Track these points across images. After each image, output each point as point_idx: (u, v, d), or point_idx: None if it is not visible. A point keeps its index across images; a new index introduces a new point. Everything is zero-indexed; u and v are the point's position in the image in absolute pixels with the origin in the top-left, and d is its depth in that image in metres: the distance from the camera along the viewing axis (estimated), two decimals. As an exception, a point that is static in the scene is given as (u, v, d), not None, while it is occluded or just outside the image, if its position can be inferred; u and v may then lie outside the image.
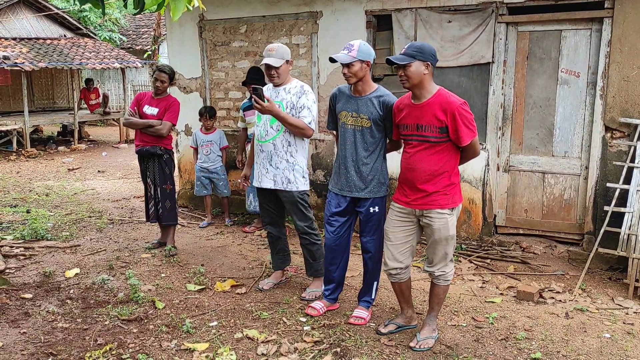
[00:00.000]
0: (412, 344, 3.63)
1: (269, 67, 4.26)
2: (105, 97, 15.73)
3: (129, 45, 20.83)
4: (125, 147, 14.55)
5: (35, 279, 4.93)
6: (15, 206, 7.77)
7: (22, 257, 5.53)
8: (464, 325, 4.02)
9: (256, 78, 5.66)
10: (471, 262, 5.35)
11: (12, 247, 5.80)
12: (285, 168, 4.34)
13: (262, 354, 3.54)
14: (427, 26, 5.72)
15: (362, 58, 3.73)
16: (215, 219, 7.07)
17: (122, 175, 10.64)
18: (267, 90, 4.41)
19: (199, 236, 6.38)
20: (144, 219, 6.13)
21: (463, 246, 5.67)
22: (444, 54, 5.52)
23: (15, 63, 12.62)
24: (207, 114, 6.78)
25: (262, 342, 3.69)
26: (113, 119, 16.45)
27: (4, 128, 13.06)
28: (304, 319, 4.07)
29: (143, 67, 17.61)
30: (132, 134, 15.74)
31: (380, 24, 6.13)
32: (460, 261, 5.35)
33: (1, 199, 8.30)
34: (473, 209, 5.74)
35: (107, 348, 3.60)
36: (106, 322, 4.03)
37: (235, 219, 7.01)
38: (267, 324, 4.01)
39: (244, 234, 6.45)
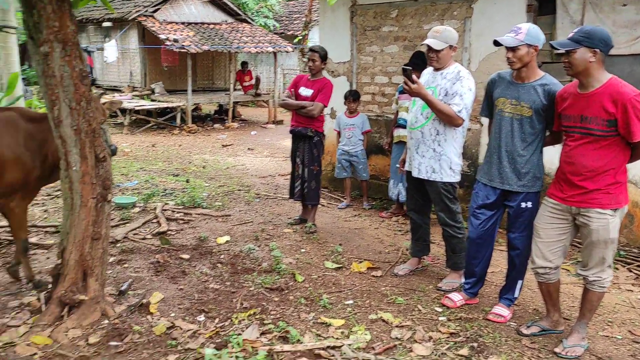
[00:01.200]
0: (557, 350, 3.40)
1: (429, 48, 4.17)
2: (258, 80, 16.68)
3: (281, 31, 21.80)
4: (272, 128, 15.32)
5: (191, 242, 5.41)
6: (177, 175, 8.59)
7: (181, 222, 6.11)
8: (619, 337, 3.67)
9: (416, 62, 5.51)
10: (630, 271, 4.85)
11: (173, 211, 6.43)
12: (432, 157, 4.25)
13: (396, 337, 3.55)
14: (597, 10, 5.22)
15: (530, 42, 3.49)
16: (354, 201, 7.19)
17: (269, 154, 11.23)
18: (426, 74, 4.33)
19: (337, 217, 6.54)
20: (287, 196, 6.41)
21: (622, 252, 5.15)
22: (615, 40, 4.95)
23: (183, 46, 13.85)
24: (352, 97, 6.88)
25: (397, 326, 3.70)
26: (263, 101, 17.37)
27: (170, 105, 14.44)
28: (439, 309, 4.00)
29: (293, 51, 18.32)
30: (279, 115, 16.55)
31: (542, 8, 5.72)
32: (617, 268, 4.87)
33: (165, 168, 9.22)
34: (637, 213, 5.18)
35: (252, 312, 3.85)
36: (251, 288, 4.31)
37: (373, 202, 7.07)
38: (402, 309, 4.00)
39: (381, 218, 6.48)
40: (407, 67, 4.06)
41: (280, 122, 16.10)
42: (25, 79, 14.49)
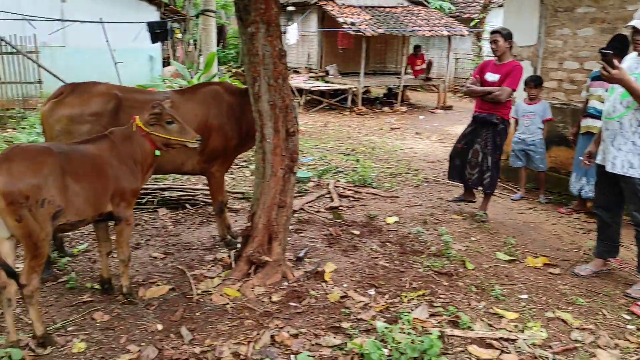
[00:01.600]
0: None
1: (635, 30, 3.77)
2: (430, 64, 16.44)
3: (457, 14, 21.12)
4: (441, 113, 15.04)
5: (361, 219, 5.60)
6: (347, 155, 8.90)
7: (351, 199, 6.34)
8: None
9: (615, 46, 5.00)
10: None
11: (344, 188, 6.69)
12: (630, 151, 3.86)
13: (576, 340, 3.33)
14: None
15: None
16: (528, 193, 6.80)
17: (437, 139, 11.07)
18: (630, 59, 3.93)
19: (510, 208, 6.25)
20: (456, 182, 6.24)
21: None
22: None
23: (359, 29, 14.16)
24: (533, 82, 6.47)
25: (577, 328, 3.47)
26: (433, 85, 17.12)
27: (342, 87, 14.92)
28: (628, 317, 3.66)
29: (468, 35, 17.67)
30: (449, 101, 16.17)
31: None
32: None
33: (337, 147, 9.59)
34: None
35: (421, 293, 3.89)
36: (420, 270, 4.34)
37: (551, 197, 6.62)
38: (583, 311, 3.73)
39: (560, 214, 6.05)
40: (608, 51, 3.70)
41: (449, 108, 15.74)
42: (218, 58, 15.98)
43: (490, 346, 3.21)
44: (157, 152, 3.50)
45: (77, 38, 13.30)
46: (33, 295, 2.94)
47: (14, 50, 10.32)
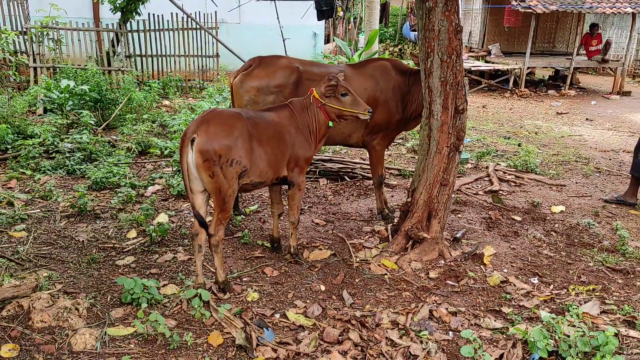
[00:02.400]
0: None
1: None
2: (608, 44, 14.86)
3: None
4: (616, 99, 13.60)
5: (523, 205, 5.34)
6: (508, 138, 8.48)
7: (512, 184, 6.06)
8: None
9: None
10: None
11: (505, 173, 6.41)
12: None
13: None
14: None
15: None
16: None
17: (611, 127, 10.06)
18: None
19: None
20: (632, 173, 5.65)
21: None
22: None
23: (529, 5, 13.24)
24: None
25: None
26: (610, 68, 15.48)
27: (504, 67, 14.15)
28: None
29: (658, 12, 15.62)
30: (627, 86, 14.54)
31: None
32: None
33: (496, 130, 9.18)
34: None
35: (591, 287, 3.64)
36: (590, 264, 4.05)
37: None
38: None
39: None
40: None
41: (627, 94, 14.15)
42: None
43: (673, 354, 2.92)
44: (331, 124, 3.66)
45: (251, 15, 14.22)
46: (218, 245, 3.29)
47: (197, 27, 11.33)
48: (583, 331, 2.82)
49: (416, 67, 4.42)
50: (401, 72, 4.57)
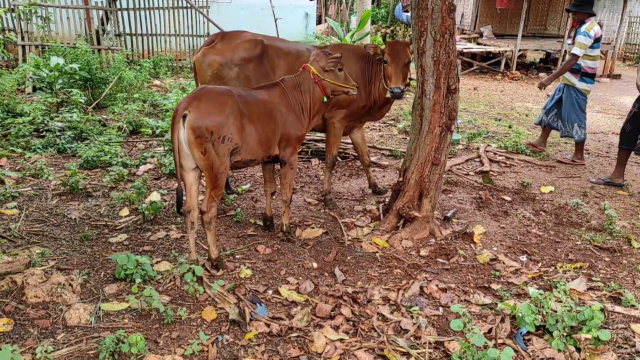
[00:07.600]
0: None
1: None
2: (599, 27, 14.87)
3: (637, -30, 18.72)
4: (607, 82, 13.69)
5: (513, 185, 5.40)
6: (499, 120, 8.52)
7: (503, 165, 6.12)
8: None
9: None
10: None
11: (495, 154, 6.46)
12: None
13: None
14: None
15: None
16: None
17: (601, 110, 10.14)
18: None
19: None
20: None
21: None
22: None
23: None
24: None
25: None
26: (601, 51, 15.51)
27: (496, 49, 14.14)
28: None
29: (649, -5, 15.66)
30: (617, 69, 14.60)
31: None
32: None
33: (487, 112, 9.22)
34: None
35: (578, 265, 3.71)
36: (577, 242, 4.12)
37: None
38: None
39: None
40: None
41: (617, 77, 14.24)
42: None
43: (657, 328, 3.00)
44: (325, 99, 3.66)
45: (242, -6, 14.10)
46: (211, 222, 3.31)
47: (188, 5, 11.20)
48: (570, 306, 2.88)
49: (376, 54, 4.33)
50: (370, 60, 4.46)
